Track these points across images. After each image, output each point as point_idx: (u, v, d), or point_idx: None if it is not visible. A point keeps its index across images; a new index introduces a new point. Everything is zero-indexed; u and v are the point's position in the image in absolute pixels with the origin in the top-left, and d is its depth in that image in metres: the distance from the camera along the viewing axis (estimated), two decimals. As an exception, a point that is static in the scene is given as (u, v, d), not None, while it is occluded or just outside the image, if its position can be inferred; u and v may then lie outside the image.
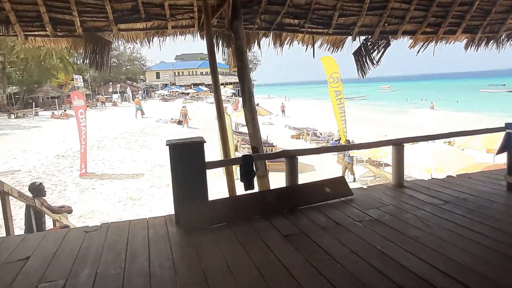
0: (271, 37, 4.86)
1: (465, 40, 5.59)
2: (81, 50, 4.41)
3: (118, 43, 4.71)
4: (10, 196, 4.34)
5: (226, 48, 4.80)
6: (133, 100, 39.83)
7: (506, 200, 3.61)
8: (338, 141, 14.46)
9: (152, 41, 4.66)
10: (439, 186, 3.98)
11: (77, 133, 12.40)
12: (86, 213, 8.44)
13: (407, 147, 5.06)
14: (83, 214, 8.34)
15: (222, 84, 54.68)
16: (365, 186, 11.06)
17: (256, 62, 68.41)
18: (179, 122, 23.57)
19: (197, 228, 3.06)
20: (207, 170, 3.27)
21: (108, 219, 8.06)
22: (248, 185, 3.54)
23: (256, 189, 3.96)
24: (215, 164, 3.71)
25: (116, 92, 49.43)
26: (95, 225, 3.31)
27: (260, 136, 4.45)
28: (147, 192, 10.18)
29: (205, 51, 4.43)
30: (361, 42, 5.16)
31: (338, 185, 3.79)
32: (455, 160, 8.92)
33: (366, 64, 5.21)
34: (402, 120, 30.99)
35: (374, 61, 5.20)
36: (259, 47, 4.91)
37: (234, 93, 50.11)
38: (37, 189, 5.32)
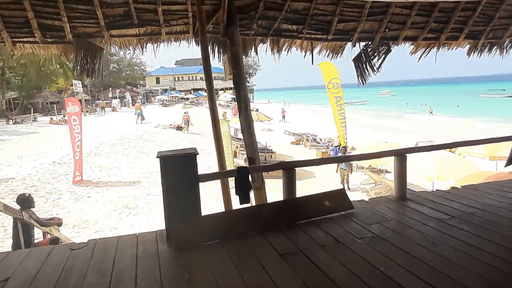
0: (268, 43, 4.73)
1: (468, 46, 5.47)
2: (72, 57, 4.27)
3: (110, 49, 4.59)
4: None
5: (222, 55, 4.66)
6: (132, 105, 39.73)
7: (515, 215, 3.43)
8: (338, 147, 14.23)
9: (146, 47, 4.53)
10: (443, 199, 3.80)
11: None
12: (80, 223, 8.23)
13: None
14: (76, 224, 8.13)
15: (222, 89, 54.75)
16: (365, 194, 10.94)
17: (256, 68, 68.59)
18: (178, 128, 23.41)
19: (189, 246, 2.88)
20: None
21: (101, 229, 7.88)
22: (244, 198, 3.37)
23: (252, 201, 3.80)
24: (209, 177, 3.54)
25: (115, 97, 49.34)
26: (82, 242, 3.14)
27: (257, 146, 4.28)
28: (143, 200, 9.99)
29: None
30: (361, 48, 5.03)
31: (337, 198, 3.61)
32: (457, 168, 8.75)
33: (366, 70, 5.08)
34: (401, 125, 30.85)
35: (375, 68, 5.06)
36: (256, 53, 4.77)
37: (234, 98, 50.06)
38: (26, 200, 5.13)
